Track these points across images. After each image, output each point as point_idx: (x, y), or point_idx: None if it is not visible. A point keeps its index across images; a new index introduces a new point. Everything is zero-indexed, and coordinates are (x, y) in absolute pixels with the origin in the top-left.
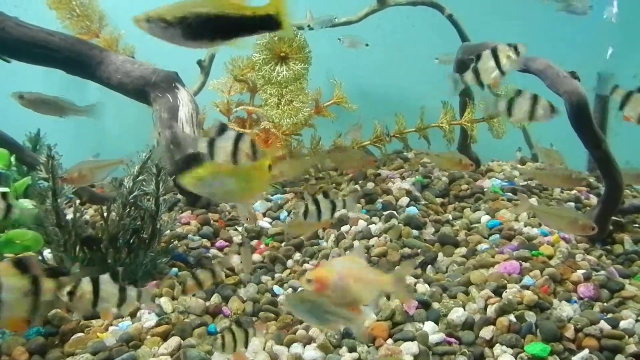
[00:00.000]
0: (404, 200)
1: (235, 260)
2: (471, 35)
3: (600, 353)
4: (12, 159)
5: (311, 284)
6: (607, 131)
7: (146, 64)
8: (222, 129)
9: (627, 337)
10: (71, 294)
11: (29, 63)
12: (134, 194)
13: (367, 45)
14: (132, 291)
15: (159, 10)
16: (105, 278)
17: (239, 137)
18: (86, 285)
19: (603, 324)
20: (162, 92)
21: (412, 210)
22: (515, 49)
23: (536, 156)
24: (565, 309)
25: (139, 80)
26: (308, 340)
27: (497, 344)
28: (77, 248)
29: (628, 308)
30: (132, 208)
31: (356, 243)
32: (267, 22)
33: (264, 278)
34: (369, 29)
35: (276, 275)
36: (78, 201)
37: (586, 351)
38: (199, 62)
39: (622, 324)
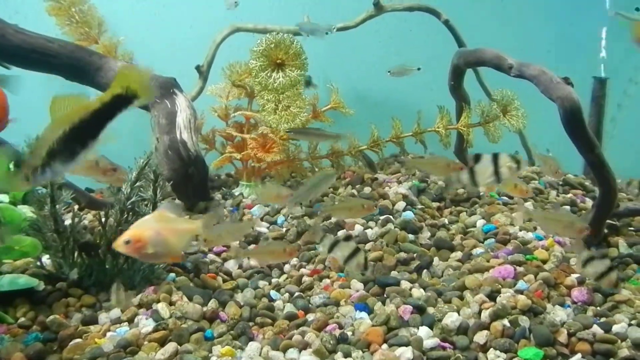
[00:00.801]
0: (401, 204)
1: (231, 265)
2: (468, 40)
3: (593, 357)
4: (11, 165)
5: (129, 245)
6: (603, 135)
7: None
8: (478, 157)
9: (619, 341)
10: None
11: (28, 69)
12: (132, 199)
13: (327, 33)
14: None
15: (24, 166)
16: None
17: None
18: None
19: (596, 328)
20: (160, 97)
21: (409, 214)
22: None
23: (533, 160)
24: (558, 314)
25: None
26: (304, 346)
27: (491, 349)
28: (76, 254)
29: (621, 312)
30: (130, 214)
31: None
32: (122, 102)
33: (261, 283)
34: (367, 34)
35: (273, 280)
36: (76, 207)
37: (579, 355)
38: (198, 68)
39: (615, 328)
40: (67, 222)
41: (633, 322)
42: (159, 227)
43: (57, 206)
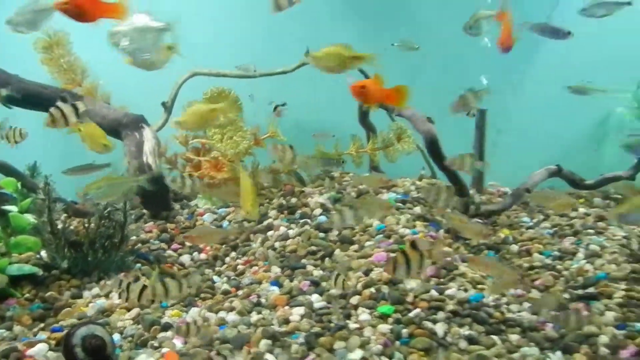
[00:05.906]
0: (318, 210)
1: (184, 258)
2: None
3: (428, 311)
4: (19, 185)
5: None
6: (486, 142)
7: (119, 109)
8: None
9: (447, 300)
10: None
11: (27, 109)
12: (108, 209)
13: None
14: None
15: None
16: None
17: None
18: None
19: (433, 292)
20: (131, 130)
21: (322, 218)
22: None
23: (434, 173)
24: (410, 284)
25: (113, 122)
26: (230, 309)
27: (360, 307)
28: (66, 249)
29: (455, 281)
30: (107, 220)
31: (277, 244)
32: None
33: (207, 271)
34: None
35: (216, 269)
36: (65, 215)
37: (418, 310)
38: (163, 104)
39: (447, 292)
40: (60, 226)
41: (461, 288)
42: None
43: (53, 214)
